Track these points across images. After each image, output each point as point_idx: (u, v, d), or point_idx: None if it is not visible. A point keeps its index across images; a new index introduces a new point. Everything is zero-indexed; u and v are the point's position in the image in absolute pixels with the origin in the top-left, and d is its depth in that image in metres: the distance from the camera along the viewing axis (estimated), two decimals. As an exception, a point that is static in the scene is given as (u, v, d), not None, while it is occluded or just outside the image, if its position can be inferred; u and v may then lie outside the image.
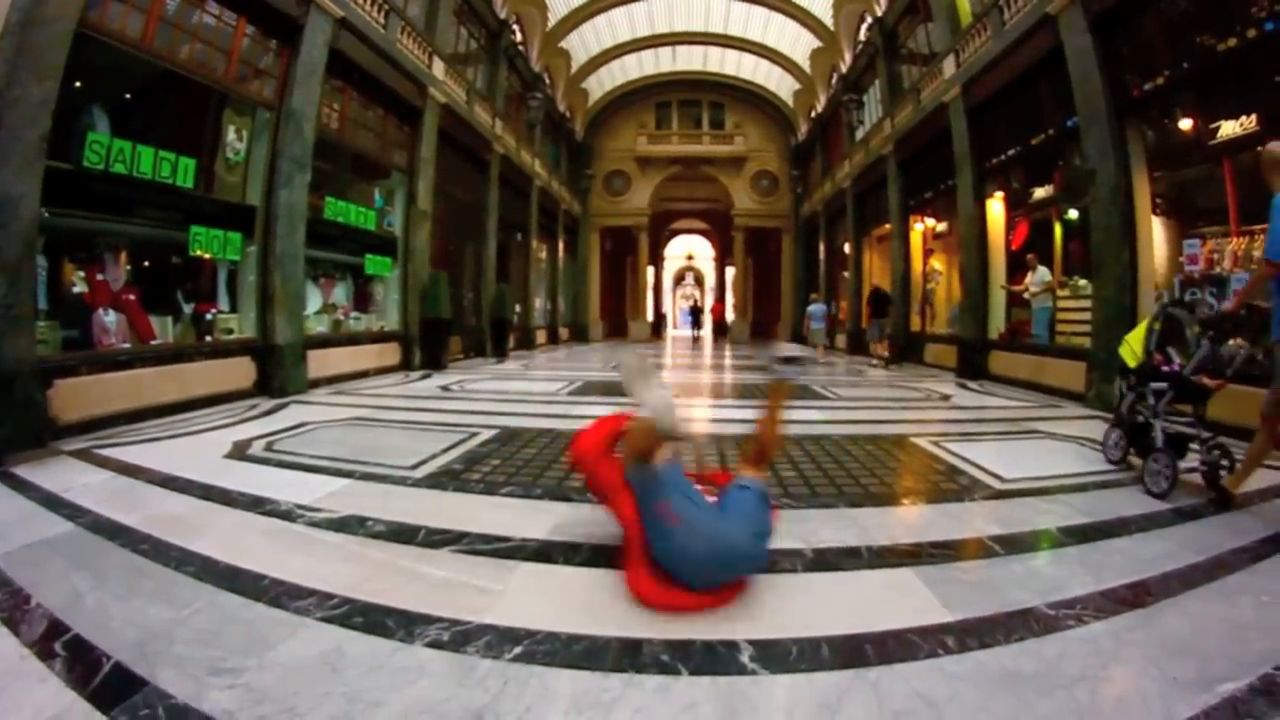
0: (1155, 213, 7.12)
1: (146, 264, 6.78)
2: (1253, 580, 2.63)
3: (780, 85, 23.69)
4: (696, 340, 23.84)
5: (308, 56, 7.90)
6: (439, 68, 11.88)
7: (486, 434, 5.57)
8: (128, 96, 6.62)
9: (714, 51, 23.20)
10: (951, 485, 4.11)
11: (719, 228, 29.86)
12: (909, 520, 3.55)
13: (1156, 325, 4.20)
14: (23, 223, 4.49)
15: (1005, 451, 5.04)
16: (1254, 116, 5.85)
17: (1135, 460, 4.39)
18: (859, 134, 17.34)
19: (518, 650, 2.08)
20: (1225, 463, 3.80)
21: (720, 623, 2.26)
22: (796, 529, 3.24)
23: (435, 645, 2.11)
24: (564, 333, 22.93)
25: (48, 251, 5.42)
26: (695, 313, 25.85)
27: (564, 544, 2.97)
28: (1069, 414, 6.89)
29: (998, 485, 4.06)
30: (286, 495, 3.63)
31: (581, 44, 20.99)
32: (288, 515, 3.34)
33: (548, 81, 20.13)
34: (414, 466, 4.42)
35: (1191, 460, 3.95)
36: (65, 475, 3.96)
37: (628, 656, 2.06)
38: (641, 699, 1.86)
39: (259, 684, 1.87)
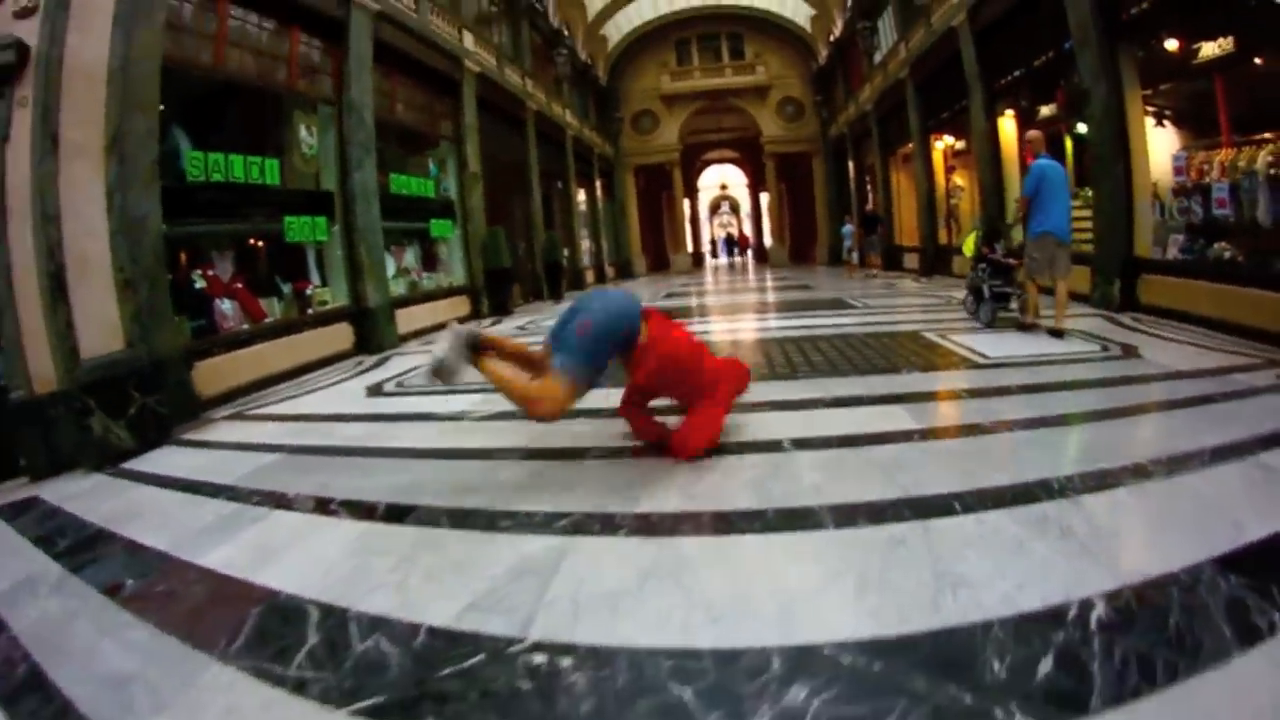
0: (1159, 125, 7.53)
1: (247, 255, 7.79)
2: (1141, 420, 3.50)
3: (797, 12, 23.73)
4: (733, 266, 25.08)
5: (356, 51, 8.70)
6: (469, 40, 12.65)
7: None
8: (210, 113, 7.43)
9: (728, -16, 23.22)
10: (944, 361, 5.25)
11: (749, 155, 30.13)
12: (904, 382, 4.65)
13: (980, 230, 7.24)
14: (151, 236, 5.26)
15: (1000, 341, 5.97)
16: (1230, 39, 6.28)
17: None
18: (876, 58, 17.55)
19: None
20: (1027, 308, 6.35)
21: (772, 433, 3.50)
22: (820, 388, 4.48)
23: (598, 456, 3.37)
24: (610, 270, 23.70)
25: (169, 257, 6.08)
26: (730, 241, 26.93)
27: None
28: (1073, 312, 7.58)
29: (982, 361, 5.13)
30: (443, 409, 4.69)
31: (595, -9, 21.27)
32: (456, 418, 4.50)
33: (566, 34, 20.61)
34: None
35: (1013, 308, 6.59)
36: (236, 431, 4.45)
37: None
38: (723, 468, 3.08)
39: (497, 497, 2.99)
